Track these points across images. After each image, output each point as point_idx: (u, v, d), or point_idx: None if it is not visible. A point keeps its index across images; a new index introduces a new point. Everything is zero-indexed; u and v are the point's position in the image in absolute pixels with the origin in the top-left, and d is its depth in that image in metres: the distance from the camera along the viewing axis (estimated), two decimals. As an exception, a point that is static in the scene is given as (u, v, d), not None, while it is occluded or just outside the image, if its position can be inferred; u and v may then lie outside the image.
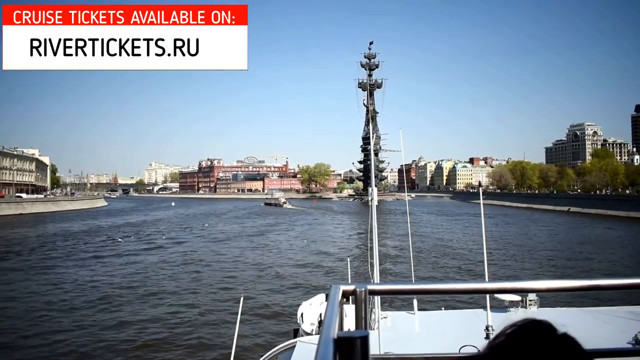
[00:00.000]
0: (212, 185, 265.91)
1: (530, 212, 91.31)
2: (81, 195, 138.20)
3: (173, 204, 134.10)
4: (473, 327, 7.04)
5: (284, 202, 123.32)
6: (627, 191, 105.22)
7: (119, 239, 42.19)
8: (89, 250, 34.67)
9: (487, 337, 6.28)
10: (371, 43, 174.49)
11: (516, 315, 8.20)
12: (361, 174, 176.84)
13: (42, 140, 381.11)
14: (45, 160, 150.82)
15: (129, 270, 26.45)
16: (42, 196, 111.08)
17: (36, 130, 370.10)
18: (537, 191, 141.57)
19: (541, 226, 57.55)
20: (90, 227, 56.54)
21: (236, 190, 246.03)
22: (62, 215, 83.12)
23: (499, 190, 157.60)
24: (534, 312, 8.45)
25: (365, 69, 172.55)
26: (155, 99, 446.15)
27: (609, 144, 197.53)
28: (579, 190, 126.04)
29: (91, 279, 23.72)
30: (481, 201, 9.65)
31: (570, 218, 73.23)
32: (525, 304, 8.57)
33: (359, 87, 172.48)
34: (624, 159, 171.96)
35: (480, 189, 14.79)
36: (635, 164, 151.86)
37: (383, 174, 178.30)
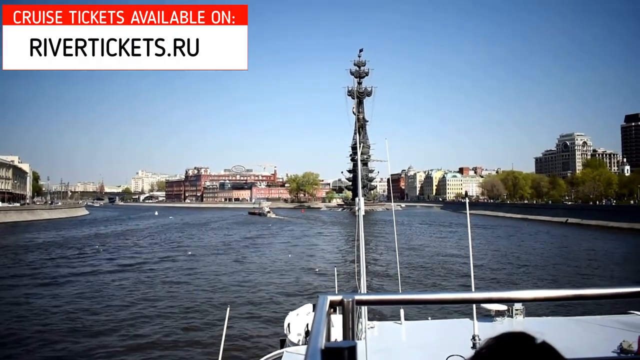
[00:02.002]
0: (198, 194, 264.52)
1: (527, 223, 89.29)
2: (61, 204, 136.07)
3: (156, 213, 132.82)
4: (460, 337, 7.13)
5: (268, 212, 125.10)
6: (632, 201, 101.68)
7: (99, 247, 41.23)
8: (51, 265, 32.52)
9: (474, 346, 6.37)
10: (361, 50, 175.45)
11: (502, 324, 8.36)
12: (350, 183, 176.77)
13: (28, 148, 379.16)
14: (25, 167, 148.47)
15: (101, 284, 25.49)
16: (18, 205, 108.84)
17: (21, 138, 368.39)
18: (534, 201, 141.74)
19: (542, 239, 55.39)
20: (61, 238, 54.36)
21: (223, 200, 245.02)
22: (37, 224, 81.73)
23: (491, 201, 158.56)
24: (520, 321, 8.59)
25: (355, 77, 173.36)
26: (144, 108, 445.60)
27: (598, 154, 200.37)
28: (567, 200, 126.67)
29: (59, 299, 21.99)
30: (467, 211, 9.87)
31: (570, 230, 71.06)
32: (512, 313, 8.70)
33: (348, 95, 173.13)
34: (614, 169, 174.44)
35: (467, 199, 15.05)
36: (626, 174, 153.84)
37: (372, 183, 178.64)
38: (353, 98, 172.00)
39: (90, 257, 37.11)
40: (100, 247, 43.76)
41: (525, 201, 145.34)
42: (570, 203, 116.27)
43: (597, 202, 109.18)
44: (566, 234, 63.73)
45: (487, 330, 6.91)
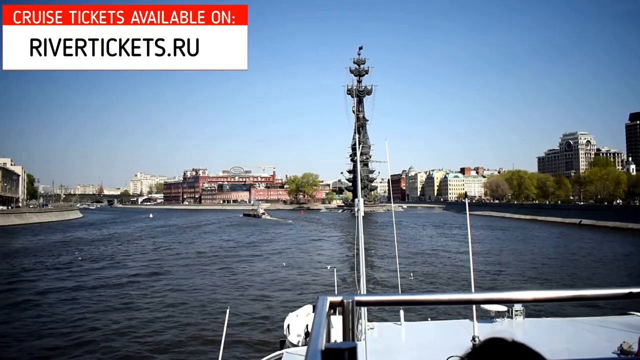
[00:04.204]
0: (196, 196, 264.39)
1: (538, 225, 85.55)
2: (52, 207, 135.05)
3: (151, 215, 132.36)
4: (459, 338, 7.23)
5: (263, 213, 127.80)
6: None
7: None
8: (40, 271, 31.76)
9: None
10: (360, 48, 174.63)
11: (502, 325, 8.46)
12: (350, 184, 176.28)
13: (26, 151, 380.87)
14: (17, 169, 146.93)
15: (92, 291, 24.94)
16: (5, 208, 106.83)
17: (20, 140, 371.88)
18: (539, 201, 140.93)
19: (561, 243, 52.07)
20: (41, 243, 52.39)
21: (221, 201, 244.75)
22: (23, 229, 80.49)
23: (497, 201, 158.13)
24: (520, 322, 8.68)
25: (355, 75, 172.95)
26: (145, 110, 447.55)
27: (602, 153, 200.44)
28: (576, 200, 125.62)
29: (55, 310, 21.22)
30: (467, 212, 10.03)
31: (587, 232, 67.47)
32: (511, 314, 8.79)
33: (347, 93, 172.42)
34: (619, 169, 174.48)
35: (467, 199, 15.26)
36: (632, 173, 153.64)
37: (373, 184, 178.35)
38: (353, 97, 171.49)
39: (67, 266, 34.27)
40: (79, 254, 40.75)
41: (536, 201, 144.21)
42: (582, 203, 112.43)
43: (614, 202, 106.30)
44: (583, 236, 60.65)
45: (487, 331, 6.98)
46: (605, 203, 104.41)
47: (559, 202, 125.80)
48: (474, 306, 7.23)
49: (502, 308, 8.73)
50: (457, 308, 12.95)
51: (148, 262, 36.61)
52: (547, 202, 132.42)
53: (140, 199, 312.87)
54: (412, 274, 25.40)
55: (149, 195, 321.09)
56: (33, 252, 43.17)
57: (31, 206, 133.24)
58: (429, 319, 10.74)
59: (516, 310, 8.82)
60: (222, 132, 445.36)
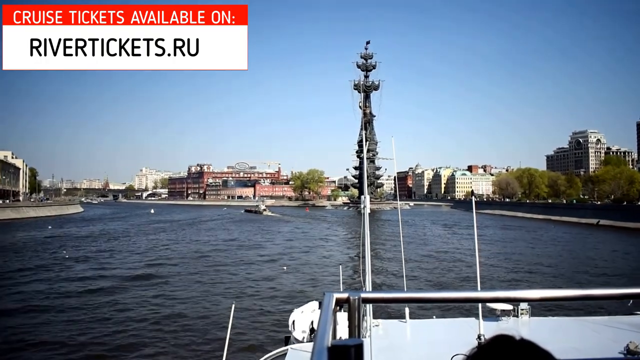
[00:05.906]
0: (201, 192, 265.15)
1: (553, 225, 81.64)
2: (51, 202, 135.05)
3: (152, 211, 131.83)
4: (465, 336, 7.25)
5: (264, 210, 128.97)
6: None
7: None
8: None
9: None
10: (368, 42, 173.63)
11: (508, 324, 8.49)
12: (356, 181, 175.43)
13: (34, 146, 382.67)
14: (18, 163, 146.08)
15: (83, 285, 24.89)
16: (1, 202, 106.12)
17: (27, 135, 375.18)
18: (549, 200, 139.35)
19: (590, 246, 48.01)
20: (32, 239, 51.21)
21: (226, 197, 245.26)
22: (18, 223, 79.62)
23: (507, 200, 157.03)
24: (526, 321, 8.72)
25: (362, 70, 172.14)
26: (152, 106, 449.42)
27: (612, 152, 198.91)
28: (589, 199, 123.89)
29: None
30: (474, 210, 10.06)
31: (609, 234, 64.00)
32: (517, 313, 8.82)
33: (354, 89, 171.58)
34: (629, 167, 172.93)
35: (473, 197, 15.25)
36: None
37: (379, 181, 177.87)
38: (359, 92, 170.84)
39: (51, 265, 32.33)
40: (67, 253, 38.69)
41: (549, 200, 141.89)
42: (599, 203, 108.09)
43: (633, 202, 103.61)
44: (606, 238, 57.36)
45: (493, 330, 6.99)
46: (625, 203, 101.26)
47: (574, 201, 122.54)
48: (479, 304, 7.26)
49: (507, 307, 8.77)
50: (462, 306, 12.99)
51: (141, 260, 35.19)
52: (564, 201, 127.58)
53: (144, 194, 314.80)
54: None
55: (154, 191, 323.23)
56: (20, 249, 41.75)
57: (32, 200, 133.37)
58: (435, 317, 10.77)
59: (522, 309, 8.85)
60: (227, 127, 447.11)
